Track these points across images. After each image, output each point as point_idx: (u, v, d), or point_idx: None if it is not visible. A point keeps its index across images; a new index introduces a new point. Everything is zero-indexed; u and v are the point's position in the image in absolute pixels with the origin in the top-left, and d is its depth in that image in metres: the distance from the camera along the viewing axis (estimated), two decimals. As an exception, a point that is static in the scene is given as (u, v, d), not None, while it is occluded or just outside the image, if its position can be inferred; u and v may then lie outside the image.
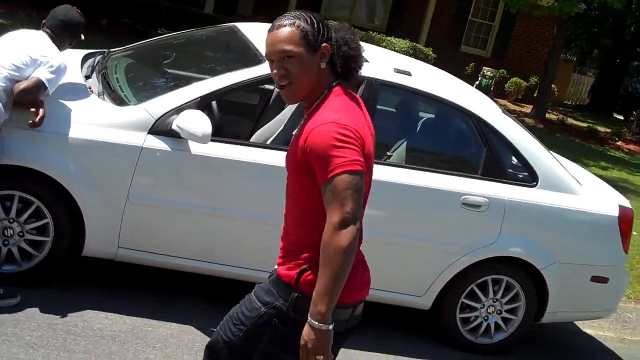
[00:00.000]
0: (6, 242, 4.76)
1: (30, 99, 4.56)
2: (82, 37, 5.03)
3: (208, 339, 4.73)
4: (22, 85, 4.54)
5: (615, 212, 5.72)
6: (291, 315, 2.75)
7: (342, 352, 4.03)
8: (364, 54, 2.89)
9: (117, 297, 5.03)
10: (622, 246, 5.74)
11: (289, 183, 2.84)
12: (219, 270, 5.12)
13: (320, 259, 2.62)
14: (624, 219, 5.73)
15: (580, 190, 5.67)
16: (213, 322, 4.98)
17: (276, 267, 2.86)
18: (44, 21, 4.94)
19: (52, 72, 4.62)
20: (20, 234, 4.76)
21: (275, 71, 2.74)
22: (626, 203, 5.95)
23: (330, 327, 2.63)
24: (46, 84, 4.58)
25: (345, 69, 2.80)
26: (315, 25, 2.75)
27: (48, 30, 4.88)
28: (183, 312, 5.04)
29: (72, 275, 5.11)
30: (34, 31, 4.91)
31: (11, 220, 4.73)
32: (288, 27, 2.71)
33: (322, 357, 2.64)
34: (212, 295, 5.44)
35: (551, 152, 5.86)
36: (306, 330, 2.64)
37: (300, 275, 2.75)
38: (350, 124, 2.67)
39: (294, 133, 2.90)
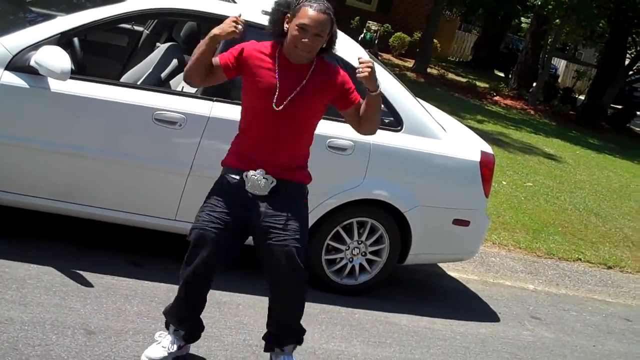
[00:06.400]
0: None
1: None
2: None
3: (69, 280, 4.73)
4: None
5: (477, 158, 5.88)
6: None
7: (210, 293, 4.06)
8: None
9: (-27, 239, 4.90)
10: (483, 190, 5.91)
11: (302, 118, 3.97)
12: (80, 211, 5.04)
13: (373, 115, 4.08)
14: (485, 164, 5.90)
15: (443, 136, 5.81)
16: (74, 264, 4.96)
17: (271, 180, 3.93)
18: None
19: None
20: None
21: (306, 40, 3.82)
22: (488, 149, 6.12)
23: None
24: None
25: (327, 48, 4.01)
26: (334, 19, 3.91)
27: None
28: (43, 254, 4.93)
29: None
30: None
31: None
32: (327, 16, 3.84)
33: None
34: (73, 236, 5.36)
35: (417, 98, 5.97)
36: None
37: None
38: None
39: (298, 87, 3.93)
